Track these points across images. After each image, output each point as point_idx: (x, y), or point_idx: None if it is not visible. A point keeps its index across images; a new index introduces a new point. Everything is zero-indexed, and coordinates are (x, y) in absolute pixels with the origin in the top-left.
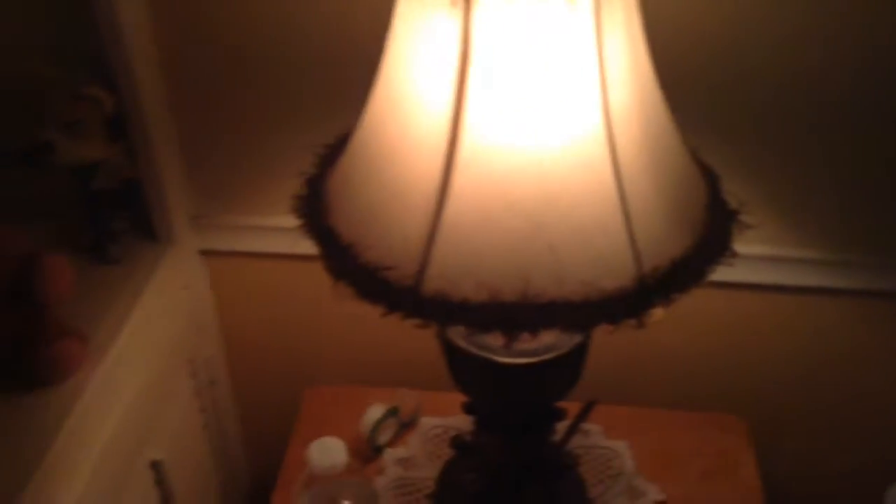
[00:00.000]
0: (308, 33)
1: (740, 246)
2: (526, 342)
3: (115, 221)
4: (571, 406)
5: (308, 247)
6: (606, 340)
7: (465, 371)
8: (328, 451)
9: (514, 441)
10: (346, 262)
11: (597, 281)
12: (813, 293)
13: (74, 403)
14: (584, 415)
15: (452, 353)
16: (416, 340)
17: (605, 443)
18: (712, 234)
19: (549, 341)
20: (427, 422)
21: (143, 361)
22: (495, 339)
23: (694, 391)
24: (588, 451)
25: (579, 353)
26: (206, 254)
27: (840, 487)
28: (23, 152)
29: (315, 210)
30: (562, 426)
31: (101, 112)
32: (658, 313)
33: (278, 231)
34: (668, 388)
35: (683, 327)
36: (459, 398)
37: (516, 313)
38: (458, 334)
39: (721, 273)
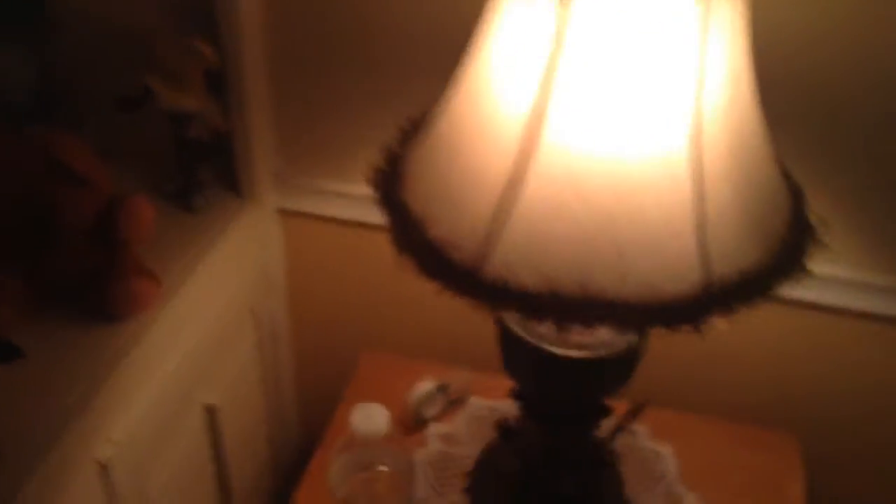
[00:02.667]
0: (405, 15)
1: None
2: (581, 336)
3: (203, 172)
4: (620, 405)
5: (380, 217)
6: (665, 343)
7: (517, 358)
8: (370, 417)
9: (557, 432)
10: (413, 236)
11: (660, 284)
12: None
13: (140, 339)
14: (632, 415)
15: (507, 339)
16: (476, 320)
17: (650, 445)
18: (788, 250)
19: (605, 337)
20: (475, 402)
21: (210, 308)
22: (550, 330)
23: (749, 404)
24: (632, 451)
25: (633, 353)
26: (284, 213)
27: None
28: (127, 97)
29: (391, 183)
30: (609, 423)
31: (202, 64)
32: (721, 323)
33: (355, 199)
34: (724, 398)
35: (747, 339)
36: (509, 383)
37: (572, 307)
38: (514, 320)
39: (795, 290)
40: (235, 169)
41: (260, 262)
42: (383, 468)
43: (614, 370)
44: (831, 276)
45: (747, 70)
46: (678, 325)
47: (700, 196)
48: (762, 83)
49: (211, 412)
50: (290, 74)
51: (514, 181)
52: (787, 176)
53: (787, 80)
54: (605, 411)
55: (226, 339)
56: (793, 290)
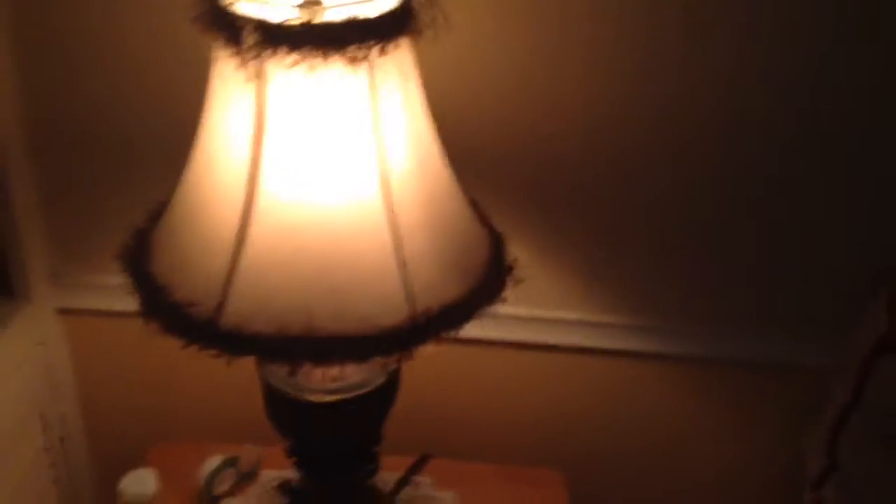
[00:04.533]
0: (144, 111)
1: (551, 311)
2: (332, 382)
3: None
4: (405, 461)
5: None
6: (440, 395)
7: (279, 410)
8: (138, 481)
9: (327, 481)
10: (157, 301)
11: (373, 318)
12: (611, 355)
13: None
14: (416, 468)
15: (269, 393)
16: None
17: (433, 493)
18: (485, 284)
19: (355, 380)
20: (267, 474)
21: None
22: (306, 379)
23: (520, 445)
24: (415, 500)
25: (384, 392)
26: (64, 312)
27: None
28: None
29: (138, 257)
30: (393, 477)
31: None
32: (429, 349)
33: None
34: (496, 442)
35: (513, 386)
36: None
37: (301, 345)
38: (274, 376)
39: (537, 335)
40: (7, 271)
41: (42, 363)
42: None
43: (368, 409)
44: (557, 318)
45: (430, 137)
46: (392, 353)
47: (398, 243)
48: (467, 146)
49: None
50: (54, 173)
51: (238, 241)
52: (486, 225)
53: (488, 146)
54: (371, 458)
55: (11, 443)
56: (547, 336)
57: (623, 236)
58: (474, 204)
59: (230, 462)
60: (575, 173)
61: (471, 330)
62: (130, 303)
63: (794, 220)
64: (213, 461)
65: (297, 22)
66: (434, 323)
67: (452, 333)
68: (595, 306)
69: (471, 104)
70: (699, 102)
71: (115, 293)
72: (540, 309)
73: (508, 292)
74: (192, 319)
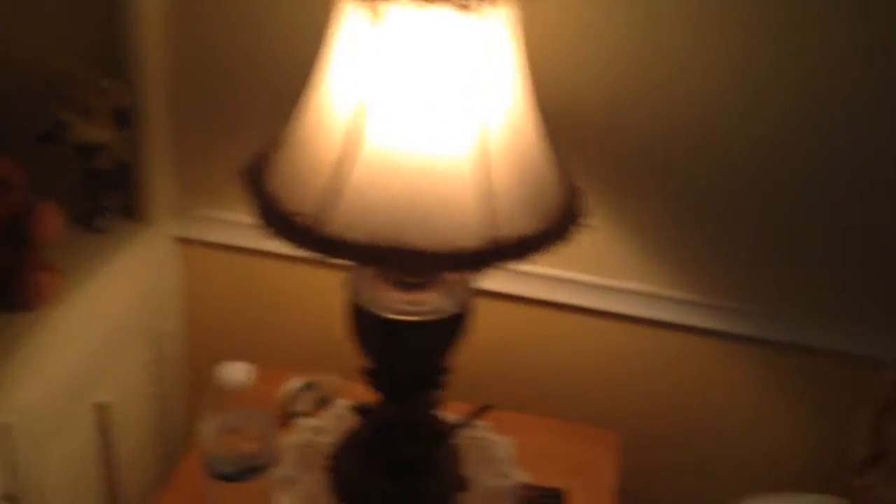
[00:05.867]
0: (280, 59)
1: (636, 284)
2: (414, 304)
3: (107, 199)
4: (466, 407)
5: (269, 244)
6: (509, 357)
7: (364, 327)
8: (234, 370)
9: (401, 401)
10: (271, 209)
11: (456, 239)
12: (677, 329)
13: (44, 327)
14: (478, 413)
15: (355, 312)
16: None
17: (490, 436)
18: (559, 226)
19: (433, 307)
20: (343, 403)
21: (104, 317)
22: (390, 300)
23: (578, 407)
24: (474, 440)
25: (455, 321)
26: (183, 241)
27: (686, 501)
28: (43, 131)
29: (258, 175)
30: (458, 420)
31: (110, 101)
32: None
33: (248, 227)
34: (557, 402)
35: (573, 350)
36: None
37: (390, 254)
38: (360, 295)
39: (607, 303)
40: (135, 197)
41: (156, 284)
42: (249, 429)
43: (439, 333)
44: (647, 292)
45: (527, 88)
46: (468, 270)
47: (487, 172)
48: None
49: (102, 410)
50: (191, 115)
51: (346, 164)
52: (567, 178)
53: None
54: (437, 383)
55: (120, 349)
56: (612, 305)
57: (708, 216)
58: (559, 159)
59: (312, 385)
60: (665, 144)
61: (543, 291)
62: (243, 237)
63: (866, 215)
64: (294, 383)
65: None
66: (504, 249)
67: (519, 260)
68: (660, 280)
69: (565, 65)
70: (792, 97)
71: (228, 227)
72: (609, 278)
73: (579, 246)
74: (299, 225)
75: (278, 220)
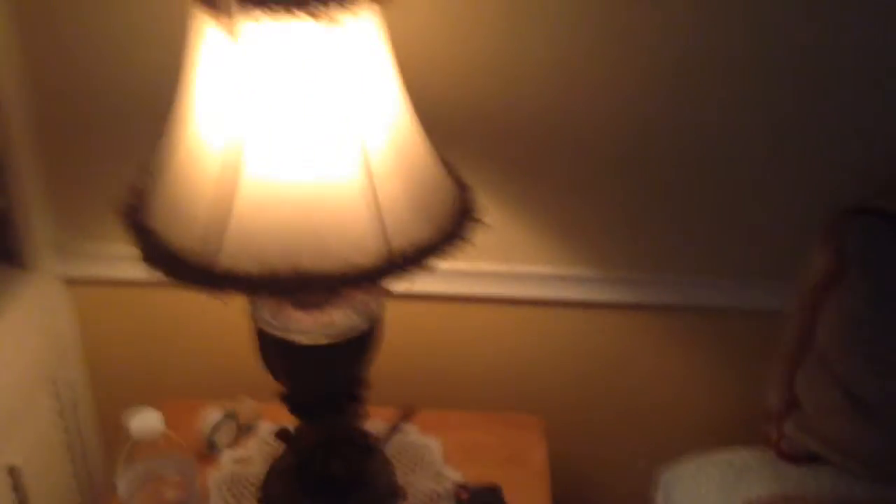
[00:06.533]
0: (143, 78)
1: (525, 266)
2: (321, 326)
3: None
4: (391, 411)
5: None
6: (423, 355)
7: (272, 353)
8: (144, 419)
9: (318, 421)
10: (157, 250)
11: (352, 258)
12: (583, 306)
13: None
14: (404, 417)
15: (262, 337)
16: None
17: (419, 439)
18: (453, 228)
19: (341, 327)
20: (266, 427)
21: (3, 373)
22: (297, 324)
23: (501, 396)
24: (404, 446)
25: (365, 337)
26: (71, 281)
27: (616, 472)
28: None
29: (137, 213)
30: (383, 429)
31: None
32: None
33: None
34: (479, 394)
35: (487, 341)
36: None
37: (288, 283)
38: (265, 321)
39: (514, 290)
40: (14, 241)
41: (50, 331)
42: (169, 476)
43: (351, 351)
44: (539, 274)
45: (400, 93)
46: (367, 286)
47: (372, 189)
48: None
49: (14, 473)
50: (58, 147)
51: (227, 195)
52: (454, 177)
53: (454, 107)
54: (356, 398)
55: (25, 406)
56: (516, 290)
57: (590, 191)
58: (443, 160)
59: (230, 415)
60: (539, 129)
61: (450, 286)
62: (132, 270)
63: (755, 179)
64: (213, 414)
65: None
66: (405, 260)
67: (422, 270)
68: (566, 259)
69: (435, 65)
70: (664, 60)
71: (116, 261)
72: (515, 264)
73: (476, 239)
74: (190, 264)
75: (164, 258)
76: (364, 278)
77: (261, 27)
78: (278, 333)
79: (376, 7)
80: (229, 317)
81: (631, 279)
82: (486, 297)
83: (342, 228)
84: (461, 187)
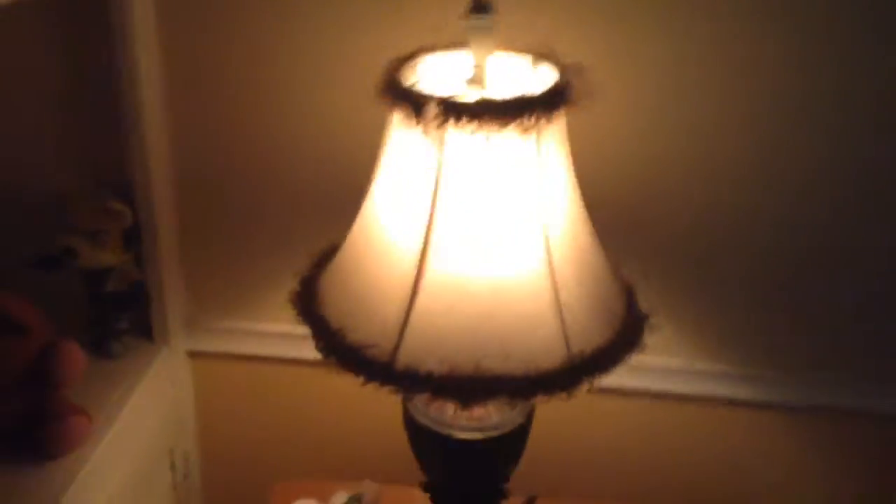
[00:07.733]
0: (298, 166)
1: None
2: (476, 420)
3: (120, 321)
4: (517, 500)
5: (281, 349)
6: (550, 444)
7: (424, 445)
8: None
9: None
10: (334, 343)
11: (535, 360)
12: (719, 403)
13: (74, 476)
14: None
15: (415, 429)
16: (380, 438)
17: None
18: (628, 330)
19: (496, 421)
20: None
21: (132, 448)
22: (451, 418)
23: (620, 486)
24: None
25: (521, 432)
26: (192, 354)
27: None
28: (47, 256)
29: (307, 302)
30: None
31: (120, 224)
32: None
33: (258, 335)
34: (600, 484)
35: (625, 433)
36: (419, 494)
37: (469, 384)
38: (421, 413)
39: (644, 383)
40: (150, 316)
41: (174, 404)
42: None
43: (506, 447)
44: (676, 368)
45: (578, 195)
46: (552, 392)
47: (556, 292)
48: (595, 205)
49: None
50: (199, 227)
51: (412, 291)
52: (619, 275)
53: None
54: (502, 493)
55: (145, 478)
56: (648, 384)
57: (723, 293)
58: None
59: (356, 499)
60: (694, 235)
61: None
62: (254, 346)
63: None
64: (340, 498)
65: (475, 98)
66: (588, 365)
67: (603, 375)
68: (688, 353)
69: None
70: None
71: (238, 337)
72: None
73: (647, 339)
74: (369, 359)
75: (340, 350)
76: (550, 384)
77: (467, 140)
78: (432, 426)
79: (565, 112)
80: (347, 397)
81: (759, 376)
82: (615, 388)
83: (528, 328)
84: (626, 286)
